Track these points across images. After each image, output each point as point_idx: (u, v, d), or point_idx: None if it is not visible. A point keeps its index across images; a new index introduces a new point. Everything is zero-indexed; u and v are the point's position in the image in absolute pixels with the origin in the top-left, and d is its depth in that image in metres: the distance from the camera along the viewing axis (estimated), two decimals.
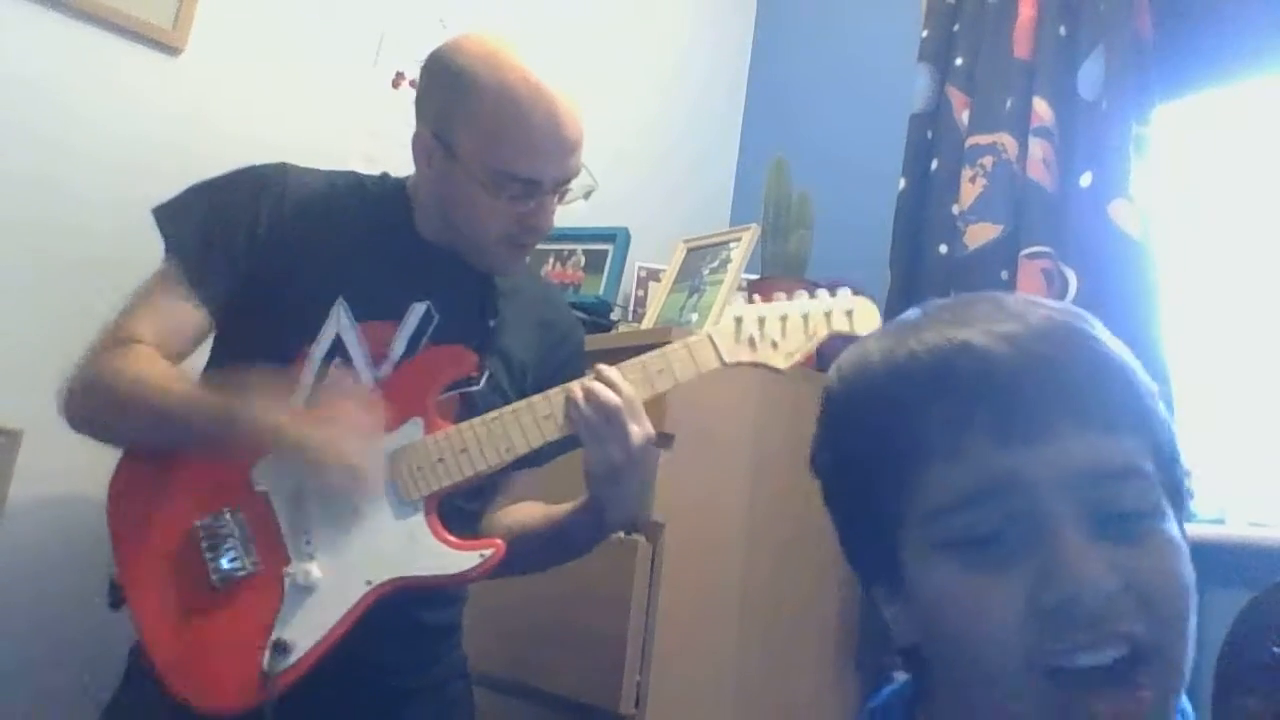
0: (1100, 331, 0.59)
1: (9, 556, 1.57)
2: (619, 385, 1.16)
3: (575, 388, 1.17)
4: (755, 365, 1.23)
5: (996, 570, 0.53)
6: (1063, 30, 1.81)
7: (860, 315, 1.24)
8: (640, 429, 1.15)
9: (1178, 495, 0.57)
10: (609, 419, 1.14)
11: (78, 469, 1.61)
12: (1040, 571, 0.52)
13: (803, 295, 1.27)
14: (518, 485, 1.37)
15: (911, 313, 0.63)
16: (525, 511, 1.35)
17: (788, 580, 1.71)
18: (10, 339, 1.61)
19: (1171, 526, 0.55)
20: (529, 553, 1.26)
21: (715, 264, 1.93)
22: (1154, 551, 0.53)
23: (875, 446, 0.58)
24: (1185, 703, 0.64)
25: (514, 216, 1.22)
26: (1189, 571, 0.54)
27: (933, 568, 0.55)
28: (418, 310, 1.23)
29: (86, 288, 1.67)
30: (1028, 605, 0.52)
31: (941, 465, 0.55)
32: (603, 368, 1.18)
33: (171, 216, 1.23)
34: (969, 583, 0.53)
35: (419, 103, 1.27)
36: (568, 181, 1.25)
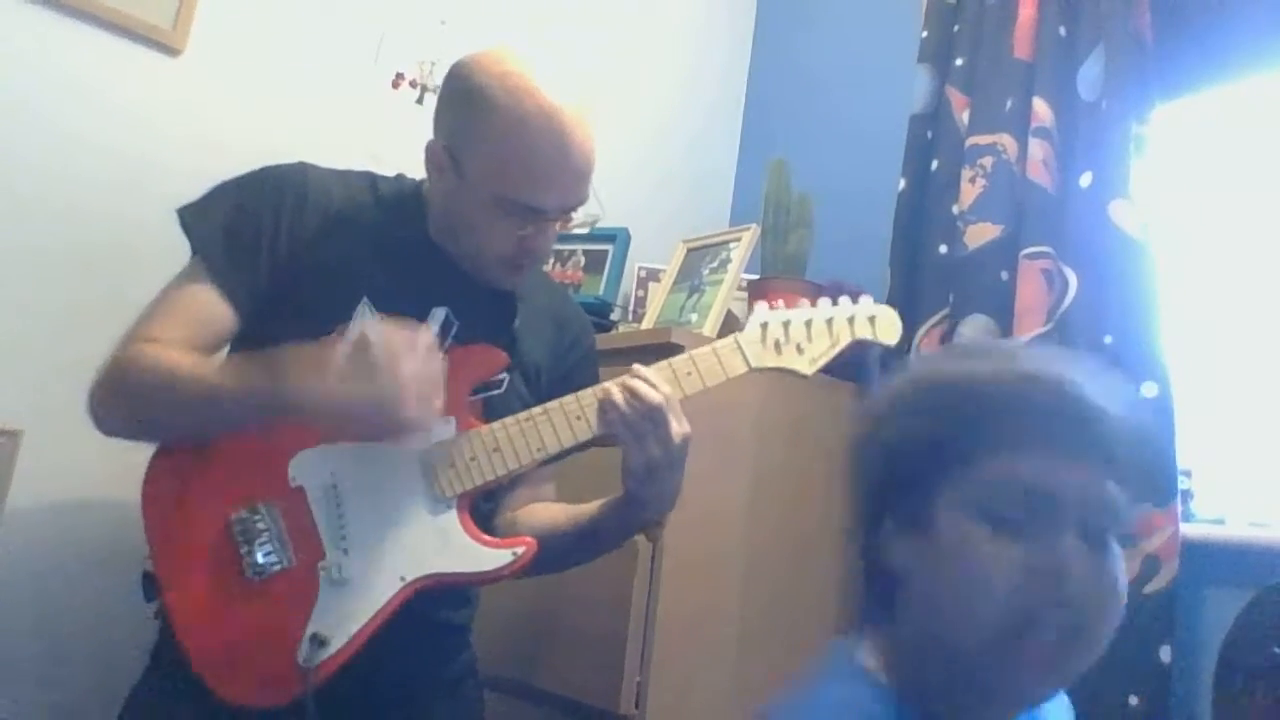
0: None
1: (9, 556, 1.57)
2: (658, 384, 1.17)
3: (613, 388, 1.18)
4: (781, 370, 1.23)
5: (1010, 538, 0.73)
6: (1063, 30, 1.81)
7: (883, 322, 1.26)
8: (679, 427, 1.16)
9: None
10: (651, 417, 1.15)
11: (78, 469, 1.62)
12: (1043, 550, 0.72)
13: (825, 302, 1.26)
14: (536, 481, 1.37)
15: (987, 342, 0.82)
16: (549, 513, 1.34)
17: (788, 580, 1.71)
18: (10, 339, 1.61)
19: (1116, 543, 0.77)
20: (557, 553, 1.27)
21: (715, 264, 1.93)
22: (1112, 560, 0.75)
23: (961, 428, 0.78)
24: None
25: (514, 239, 1.23)
26: (1125, 579, 0.76)
27: (962, 520, 0.75)
28: (438, 315, 1.23)
29: (86, 288, 1.68)
30: (1023, 566, 0.72)
31: (1006, 455, 0.75)
32: (639, 368, 1.19)
33: (196, 215, 1.24)
34: (987, 538, 0.74)
35: (436, 113, 1.27)
36: (572, 209, 1.25)
